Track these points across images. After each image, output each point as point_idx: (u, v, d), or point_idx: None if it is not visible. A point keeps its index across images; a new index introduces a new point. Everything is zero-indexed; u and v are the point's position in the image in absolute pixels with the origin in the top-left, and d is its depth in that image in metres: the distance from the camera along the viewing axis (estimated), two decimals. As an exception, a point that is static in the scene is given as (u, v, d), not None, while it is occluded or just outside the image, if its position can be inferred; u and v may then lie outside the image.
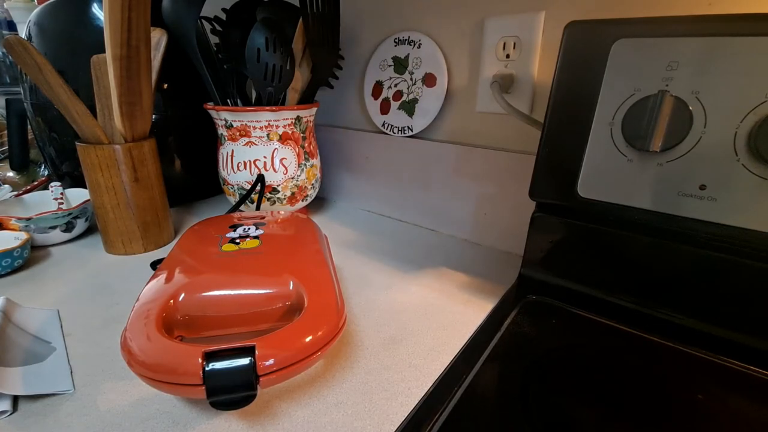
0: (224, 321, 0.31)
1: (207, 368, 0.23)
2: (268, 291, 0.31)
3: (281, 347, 0.25)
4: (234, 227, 0.39)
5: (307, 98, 0.56)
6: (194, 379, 0.23)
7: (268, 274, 0.32)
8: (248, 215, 0.43)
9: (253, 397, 0.24)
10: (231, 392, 0.24)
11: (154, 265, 0.42)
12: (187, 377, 0.24)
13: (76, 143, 0.47)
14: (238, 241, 0.36)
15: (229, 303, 0.31)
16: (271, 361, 0.24)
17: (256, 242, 0.36)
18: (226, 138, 0.55)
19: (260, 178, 0.54)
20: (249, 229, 0.39)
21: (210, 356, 0.24)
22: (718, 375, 0.30)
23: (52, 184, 0.58)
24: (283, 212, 0.46)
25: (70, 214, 0.52)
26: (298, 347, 0.26)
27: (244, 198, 0.54)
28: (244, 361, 0.24)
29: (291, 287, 0.31)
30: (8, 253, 0.44)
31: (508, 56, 0.47)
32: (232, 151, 0.54)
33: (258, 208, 0.54)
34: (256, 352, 0.24)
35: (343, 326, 0.29)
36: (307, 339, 0.26)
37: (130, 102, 0.45)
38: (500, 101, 0.47)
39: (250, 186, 0.55)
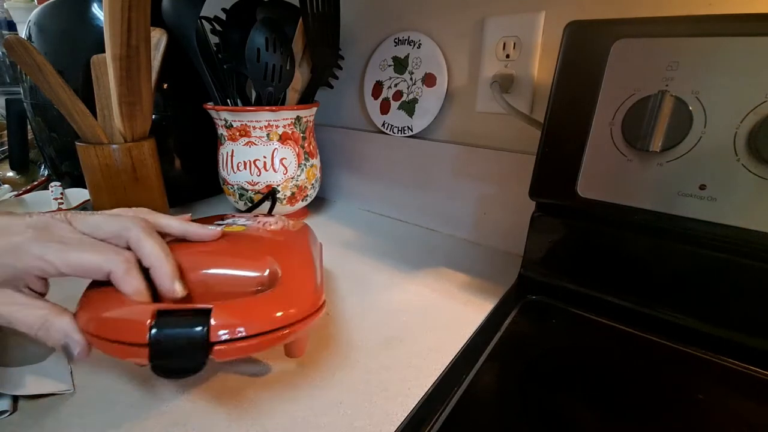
0: (195, 299, 0.28)
1: (153, 329, 0.22)
2: (241, 271, 0.29)
3: (242, 316, 0.23)
4: (223, 219, 0.38)
5: (307, 98, 0.56)
6: (139, 338, 0.22)
7: (245, 256, 0.30)
8: (243, 214, 0.42)
9: (202, 365, 0.22)
10: (177, 358, 0.22)
11: None
12: (131, 335, 0.22)
13: (76, 143, 0.47)
14: (223, 227, 0.34)
15: (199, 284, 0.28)
16: (226, 331, 0.22)
17: (242, 228, 0.34)
18: (226, 138, 0.55)
19: (273, 193, 0.54)
20: (238, 220, 0.37)
21: (162, 315, 0.22)
22: (718, 375, 0.30)
23: (52, 184, 0.58)
24: (280, 220, 0.44)
25: (70, 214, 0.52)
26: (262, 319, 0.24)
27: (253, 207, 0.54)
28: (197, 327, 0.22)
29: (267, 271, 0.29)
30: (8, 253, 0.44)
31: (508, 56, 0.47)
32: (232, 151, 0.54)
33: None
34: (212, 320, 0.22)
35: (320, 309, 0.27)
36: (276, 313, 0.24)
37: (130, 102, 0.45)
38: (500, 101, 0.47)
39: (250, 186, 0.55)
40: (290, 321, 0.24)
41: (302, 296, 0.27)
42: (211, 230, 0.31)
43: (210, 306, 0.23)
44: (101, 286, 0.25)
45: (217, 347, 0.22)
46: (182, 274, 0.27)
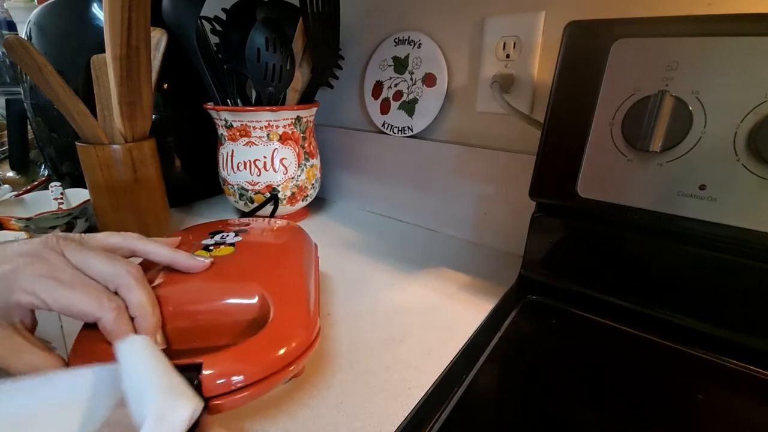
0: (180, 336, 0.27)
1: None
2: (233, 303, 0.29)
3: (234, 367, 0.23)
4: (213, 234, 0.37)
5: (307, 98, 0.56)
6: None
7: (234, 286, 0.30)
8: (235, 222, 0.42)
9: (197, 423, 0.21)
10: None
11: None
12: None
13: (76, 143, 0.47)
14: (211, 248, 0.34)
15: (185, 315, 0.28)
16: (221, 382, 0.22)
17: (230, 249, 0.34)
18: (226, 138, 0.55)
19: (274, 197, 0.55)
20: (227, 236, 0.36)
21: None
22: (718, 375, 0.30)
23: (52, 184, 0.58)
24: (279, 221, 0.43)
25: (70, 214, 0.52)
26: (256, 367, 0.23)
27: (254, 211, 0.55)
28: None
29: (256, 299, 0.28)
30: (8, 253, 0.44)
31: (508, 56, 0.47)
32: (232, 151, 0.54)
33: None
34: (203, 372, 0.22)
35: (313, 344, 0.27)
36: (269, 356, 0.24)
37: (130, 102, 0.45)
38: (500, 101, 0.47)
39: (250, 186, 0.55)
40: (286, 362, 0.24)
41: (295, 332, 0.26)
42: (199, 262, 0.30)
43: (200, 361, 0.22)
44: (94, 329, 0.25)
45: (212, 402, 0.22)
46: (172, 309, 0.27)
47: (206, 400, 0.22)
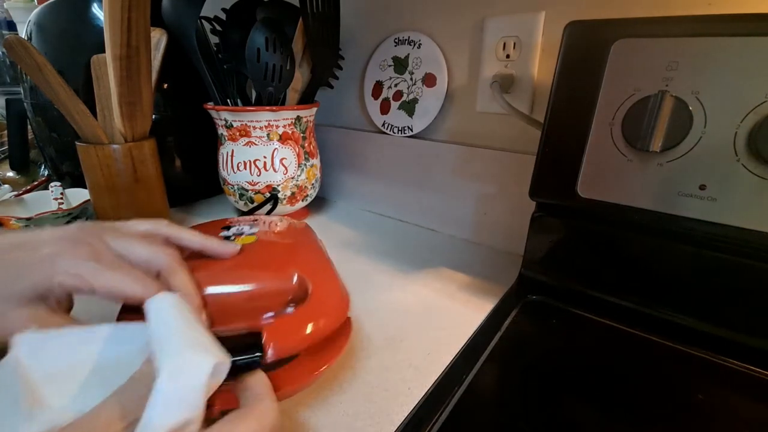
0: (226, 317, 0.29)
1: None
2: (272, 283, 0.30)
3: (291, 334, 0.24)
4: (227, 227, 0.38)
5: (307, 98, 0.56)
6: None
7: (270, 268, 0.31)
8: (240, 219, 0.42)
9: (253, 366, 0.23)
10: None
11: None
12: None
13: (76, 143, 0.47)
14: (232, 238, 0.35)
15: (231, 298, 0.29)
16: (277, 350, 0.23)
17: (253, 238, 0.35)
18: (226, 138, 0.55)
19: (274, 196, 0.55)
20: (243, 228, 0.37)
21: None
22: (718, 375, 0.30)
23: (52, 184, 0.58)
24: (284, 218, 0.43)
25: (70, 214, 0.52)
26: (305, 334, 0.25)
27: (253, 210, 0.54)
28: (252, 352, 0.23)
29: (295, 279, 0.30)
30: (8, 253, 0.44)
31: (508, 56, 0.47)
32: (232, 151, 0.54)
33: None
34: (264, 342, 0.23)
35: (349, 320, 0.29)
36: (309, 327, 0.26)
37: (130, 102, 0.45)
38: (500, 101, 0.47)
39: (250, 186, 0.55)
40: (328, 331, 0.26)
41: (336, 302, 0.28)
42: (231, 247, 0.31)
43: (260, 331, 0.23)
44: (131, 313, 0.25)
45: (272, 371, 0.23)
46: (211, 291, 0.28)
47: (268, 367, 0.23)
